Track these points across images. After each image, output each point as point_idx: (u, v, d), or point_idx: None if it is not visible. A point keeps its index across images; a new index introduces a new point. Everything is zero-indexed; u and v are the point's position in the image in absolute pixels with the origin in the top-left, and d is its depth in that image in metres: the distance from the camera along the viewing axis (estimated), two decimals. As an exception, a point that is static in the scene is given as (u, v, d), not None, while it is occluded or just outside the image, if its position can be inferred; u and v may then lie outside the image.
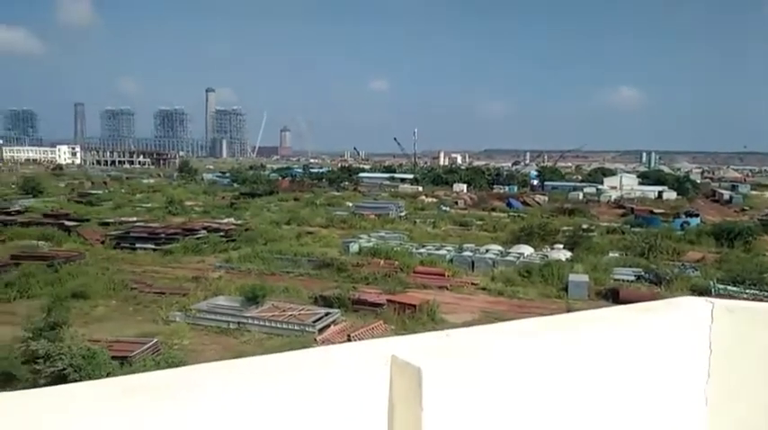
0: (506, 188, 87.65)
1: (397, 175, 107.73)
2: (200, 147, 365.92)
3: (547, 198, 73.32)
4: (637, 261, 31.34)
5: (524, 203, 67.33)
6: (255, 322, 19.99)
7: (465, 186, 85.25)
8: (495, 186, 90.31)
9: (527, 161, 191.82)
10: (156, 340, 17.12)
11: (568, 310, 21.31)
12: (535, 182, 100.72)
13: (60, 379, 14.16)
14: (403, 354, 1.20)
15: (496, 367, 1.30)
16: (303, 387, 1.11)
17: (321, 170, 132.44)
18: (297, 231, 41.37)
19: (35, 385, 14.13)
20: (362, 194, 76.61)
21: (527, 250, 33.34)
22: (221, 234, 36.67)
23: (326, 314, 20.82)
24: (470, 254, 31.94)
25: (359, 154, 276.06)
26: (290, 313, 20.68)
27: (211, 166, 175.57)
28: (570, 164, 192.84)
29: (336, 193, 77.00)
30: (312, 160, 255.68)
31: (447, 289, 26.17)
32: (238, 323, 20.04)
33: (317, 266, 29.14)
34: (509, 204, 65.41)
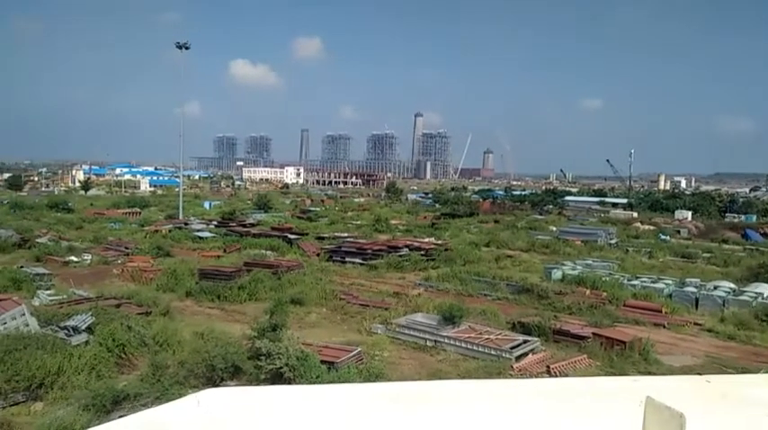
0: (742, 217, 76.44)
1: (607, 199, 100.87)
2: (406, 169, 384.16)
3: (796, 230, 62.13)
4: None
5: (765, 235, 58.03)
6: (452, 342, 20.15)
7: (690, 213, 76.55)
8: (727, 214, 79.48)
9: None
10: (359, 349, 18.18)
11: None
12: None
13: (277, 376, 15.80)
14: (659, 396, 1.10)
15: (766, 418, 1.12)
16: (548, 417, 1.08)
17: (524, 192, 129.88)
18: (496, 254, 40.97)
19: (258, 379, 15.99)
20: (568, 218, 73.19)
21: (767, 290, 28.60)
22: (422, 253, 37.87)
23: (525, 341, 20.14)
24: (694, 290, 28.40)
25: (565, 176, 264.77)
26: (486, 336, 20.44)
27: (415, 187, 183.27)
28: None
29: (539, 217, 74.77)
30: (514, 182, 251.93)
31: (664, 327, 23.56)
32: (435, 341, 20.38)
33: (517, 291, 28.42)
34: (745, 235, 56.99)
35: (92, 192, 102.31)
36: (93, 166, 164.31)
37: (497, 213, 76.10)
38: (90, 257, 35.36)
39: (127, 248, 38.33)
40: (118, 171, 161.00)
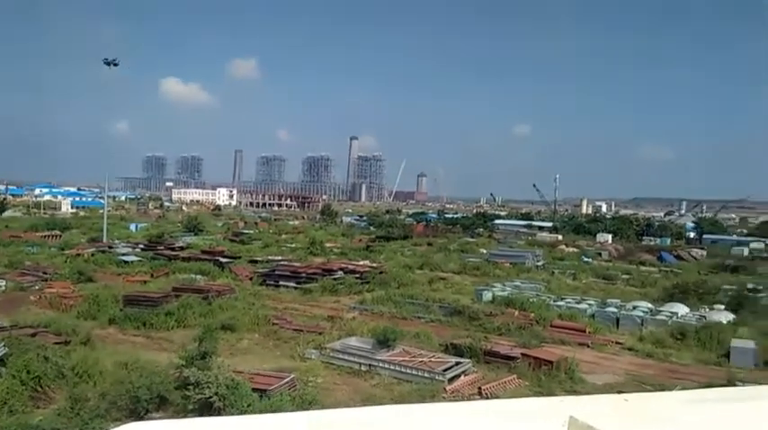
0: (658, 240, 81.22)
1: (534, 223, 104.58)
2: (342, 192, 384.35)
3: (705, 253, 66.66)
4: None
5: (678, 258, 61.82)
6: (386, 366, 20.15)
7: (610, 236, 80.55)
8: (644, 238, 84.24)
9: (682, 211, 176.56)
10: (292, 376, 17.87)
11: (730, 380, 18.89)
12: (692, 234, 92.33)
13: (207, 406, 15.25)
14: (581, 416, 1.16)
15: None
16: None
17: (456, 215, 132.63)
18: (429, 276, 41.50)
19: (185, 410, 15.38)
20: (498, 241, 75.24)
21: (682, 309, 30.39)
22: (357, 276, 37.85)
23: (457, 363, 20.42)
24: (615, 310, 29.79)
25: (495, 200, 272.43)
26: (420, 359, 20.58)
27: (350, 210, 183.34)
28: (734, 215, 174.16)
29: (471, 239, 76.42)
30: (447, 205, 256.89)
31: (588, 346, 24.52)
32: (369, 365, 20.31)
33: (449, 313, 28.84)
34: (660, 258, 60.45)
35: (7, 213, 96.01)
36: (9, 186, 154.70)
37: (430, 236, 77.26)
38: (4, 283, 33.07)
39: (45, 273, 36.16)
40: (37, 191, 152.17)
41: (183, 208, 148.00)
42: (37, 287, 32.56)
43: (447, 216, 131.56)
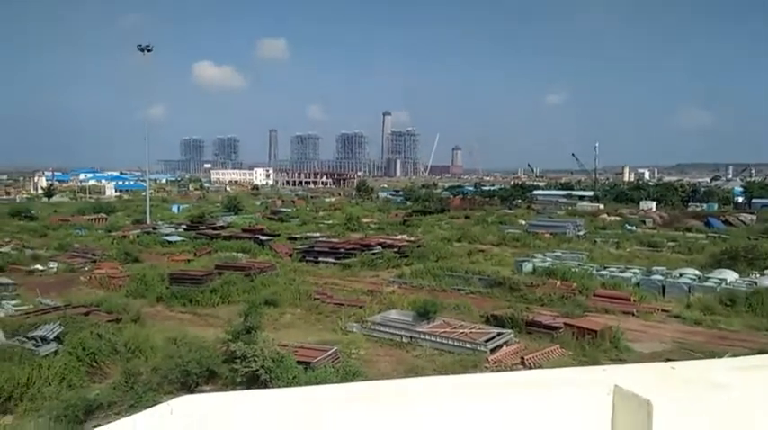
0: (704, 206, 78.67)
1: (574, 192, 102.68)
2: (377, 168, 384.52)
3: (755, 217, 64.27)
4: None
5: (726, 223, 59.81)
6: (427, 337, 20.23)
7: (654, 204, 78.41)
8: (690, 204, 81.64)
9: (729, 176, 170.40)
10: (335, 349, 18.12)
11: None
12: (740, 199, 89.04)
13: (253, 379, 15.65)
14: (627, 385, 1.14)
15: (729, 403, 1.14)
16: (522, 409, 1.09)
17: (493, 188, 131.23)
18: (468, 249, 41.31)
19: (233, 383, 15.81)
20: (536, 212, 74.26)
21: (730, 275, 29.47)
22: (395, 250, 37.97)
23: (498, 334, 20.35)
24: (661, 278, 29.10)
25: (533, 171, 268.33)
26: (461, 331, 20.59)
27: (386, 185, 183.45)
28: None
29: (509, 211, 75.63)
30: (484, 178, 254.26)
31: (633, 315, 24.09)
32: (410, 337, 20.44)
33: (489, 285, 28.71)
34: (708, 224, 58.60)
35: (55, 198, 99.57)
36: (55, 172, 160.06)
37: (468, 209, 76.75)
38: (56, 265, 34.45)
39: (94, 255, 37.44)
40: (82, 176, 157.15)
41: (227, 188, 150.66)
42: (87, 268, 33.77)
43: (484, 188, 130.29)
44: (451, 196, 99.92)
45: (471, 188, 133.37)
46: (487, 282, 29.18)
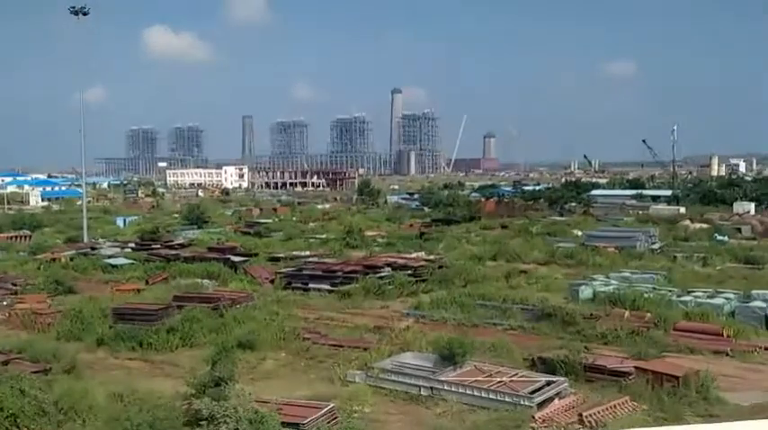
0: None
1: (646, 192, 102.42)
2: (384, 163, 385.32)
3: None
4: None
5: None
6: (454, 389, 20.15)
7: (752, 206, 78.02)
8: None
9: None
10: (332, 405, 18.09)
11: None
12: None
13: (225, 446, 15.63)
14: None
15: None
16: None
17: (538, 187, 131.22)
18: (506, 269, 41.20)
19: (198, 451, 15.79)
20: (596, 219, 74.08)
21: None
22: (409, 272, 37.93)
23: (548, 383, 20.25)
24: (763, 305, 28.90)
25: (590, 164, 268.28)
26: (498, 379, 20.52)
27: (396, 186, 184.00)
28: None
29: (560, 218, 75.55)
30: (527, 174, 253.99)
31: (726, 355, 23.91)
32: (431, 388, 20.37)
33: (535, 317, 28.63)
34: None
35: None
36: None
37: (505, 216, 76.68)
38: (-35, 299, 34.62)
39: (14, 285, 37.64)
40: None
41: (189, 194, 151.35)
42: (5, 302, 33.88)
43: (526, 188, 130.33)
44: (483, 199, 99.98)
45: (509, 188, 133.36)
46: (532, 313, 29.08)
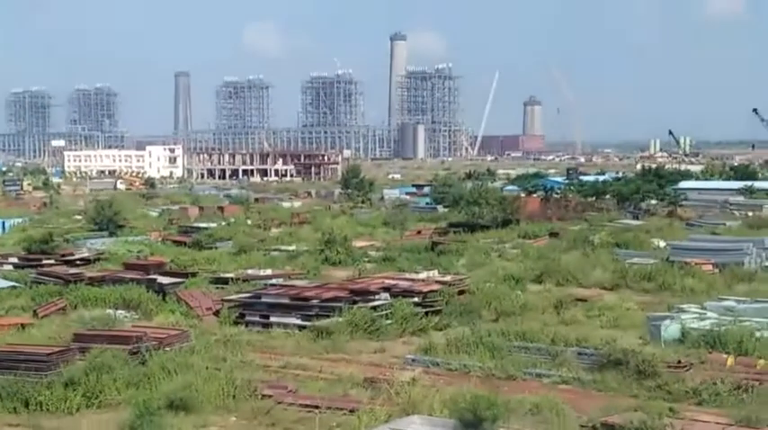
0: None
1: (759, 184, 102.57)
2: (379, 142, 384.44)
3: None
4: None
5: None
6: (480, 470, 20.18)
7: None
8: None
9: None
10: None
11: None
12: None
13: None
14: None
15: None
16: None
17: (602, 177, 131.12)
18: (556, 296, 41.28)
19: None
20: (687, 224, 74.11)
21: None
22: (415, 300, 37.97)
23: (617, 461, 20.32)
24: None
25: (678, 143, 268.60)
26: (545, 456, 20.56)
27: (398, 175, 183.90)
28: None
29: (634, 222, 75.51)
30: (586, 158, 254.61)
31: None
32: (448, 470, 20.40)
33: (597, 366, 28.69)
34: None
35: None
36: None
37: (555, 219, 76.76)
38: None
39: None
40: None
41: (94, 184, 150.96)
42: None
43: (585, 179, 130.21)
44: (523, 194, 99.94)
45: (561, 179, 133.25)
46: (595, 360, 29.13)
